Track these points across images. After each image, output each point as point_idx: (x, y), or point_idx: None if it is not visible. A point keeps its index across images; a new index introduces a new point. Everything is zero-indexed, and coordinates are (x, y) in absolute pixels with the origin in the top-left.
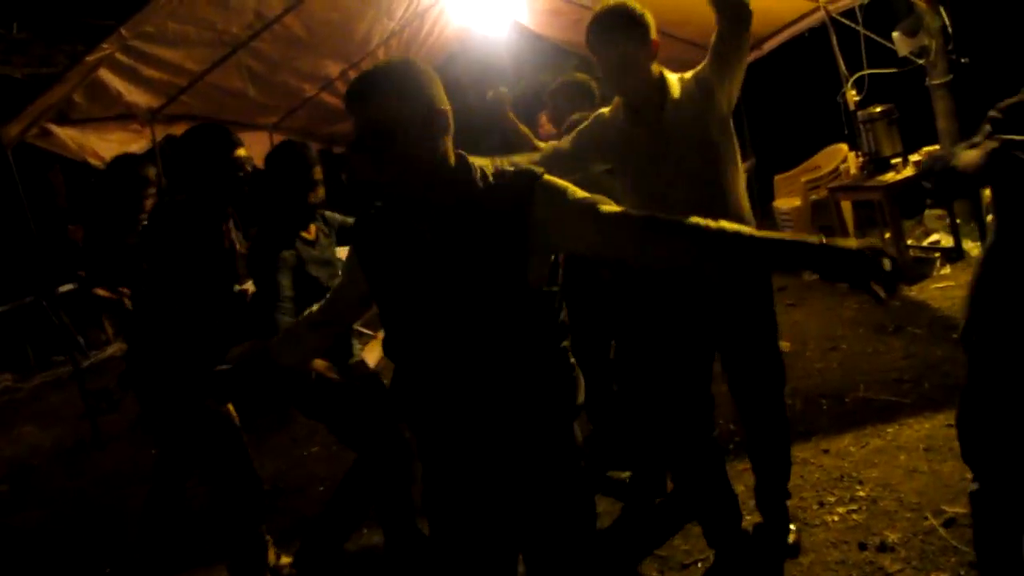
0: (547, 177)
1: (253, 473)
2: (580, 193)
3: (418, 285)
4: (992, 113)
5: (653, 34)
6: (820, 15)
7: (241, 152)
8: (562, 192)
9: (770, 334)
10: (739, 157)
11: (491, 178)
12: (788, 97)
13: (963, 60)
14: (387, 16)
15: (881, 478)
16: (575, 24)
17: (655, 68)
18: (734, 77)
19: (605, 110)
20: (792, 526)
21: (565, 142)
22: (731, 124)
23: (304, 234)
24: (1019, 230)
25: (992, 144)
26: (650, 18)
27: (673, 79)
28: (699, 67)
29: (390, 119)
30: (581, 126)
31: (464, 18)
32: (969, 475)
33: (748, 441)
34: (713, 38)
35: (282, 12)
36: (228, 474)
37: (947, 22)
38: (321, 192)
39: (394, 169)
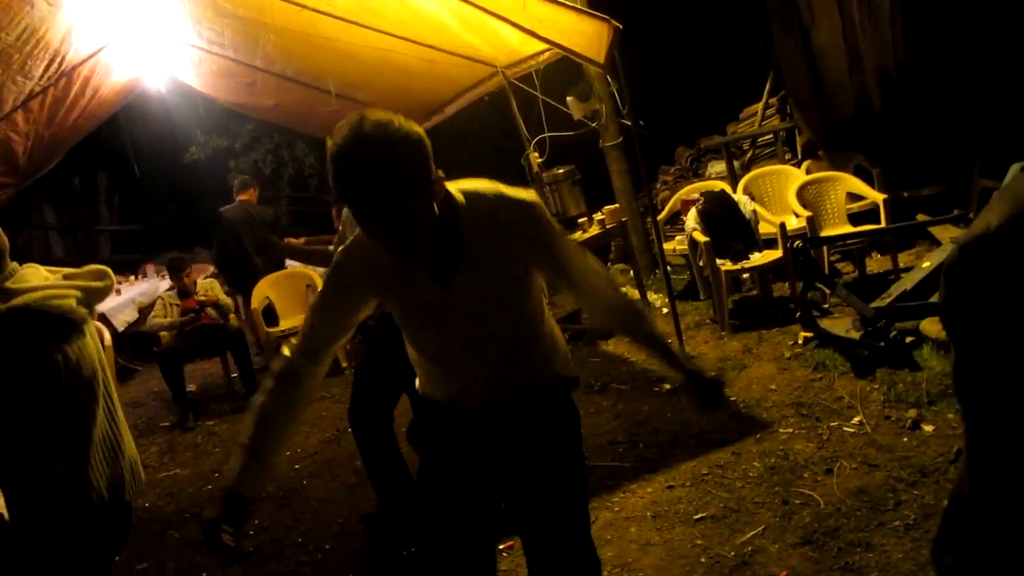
0: None
1: None
2: None
3: None
4: None
5: (433, 166)
6: (499, 79)
7: None
8: None
9: (582, 499)
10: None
11: None
12: (474, 159)
13: (640, 123)
14: (22, 75)
15: (617, 556)
16: (248, 87)
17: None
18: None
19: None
20: None
21: None
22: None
23: None
24: None
25: None
26: (425, 137)
27: (466, 204)
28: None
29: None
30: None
31: (125, 74)
32: (701, 540)
33: None
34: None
35: None
36: None
37: (615, 89)
38: None
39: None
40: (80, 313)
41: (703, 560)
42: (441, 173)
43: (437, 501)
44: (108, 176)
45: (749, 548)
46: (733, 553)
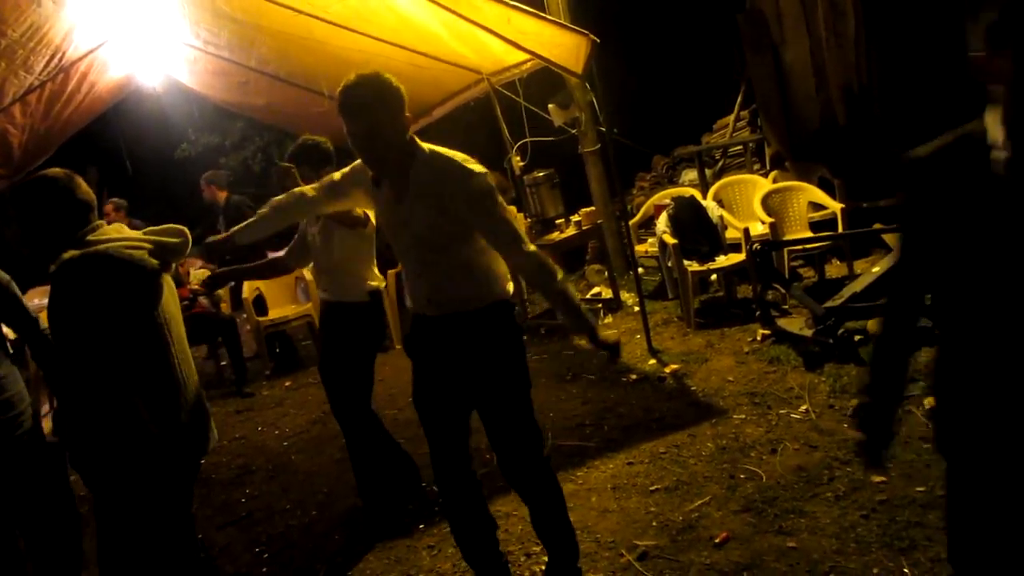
0: None
1: None
2: None
3: None
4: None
5: (406, 109)
6: (484, 86)
7: None
8: None
9: (517, 391)
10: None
11: None
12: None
13: (615, 131)
14: (24, 70)
15: (578, 521)
16: (241, 87)
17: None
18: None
19: None
20: None
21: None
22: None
23: None
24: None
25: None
26: (404, 92)
27: (424, 156)
28: (459, 179)
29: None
30: (354, 165)
31: (120, 71)
32: (654, 508)
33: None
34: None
35: None
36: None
37: (594, 98)
38: None
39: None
40: (151, 263)
41: (654, 524)
42: (410, 116)
43: (417, 391)
44: (98, 170)
45: (696, 514)
46: (681, 518)
